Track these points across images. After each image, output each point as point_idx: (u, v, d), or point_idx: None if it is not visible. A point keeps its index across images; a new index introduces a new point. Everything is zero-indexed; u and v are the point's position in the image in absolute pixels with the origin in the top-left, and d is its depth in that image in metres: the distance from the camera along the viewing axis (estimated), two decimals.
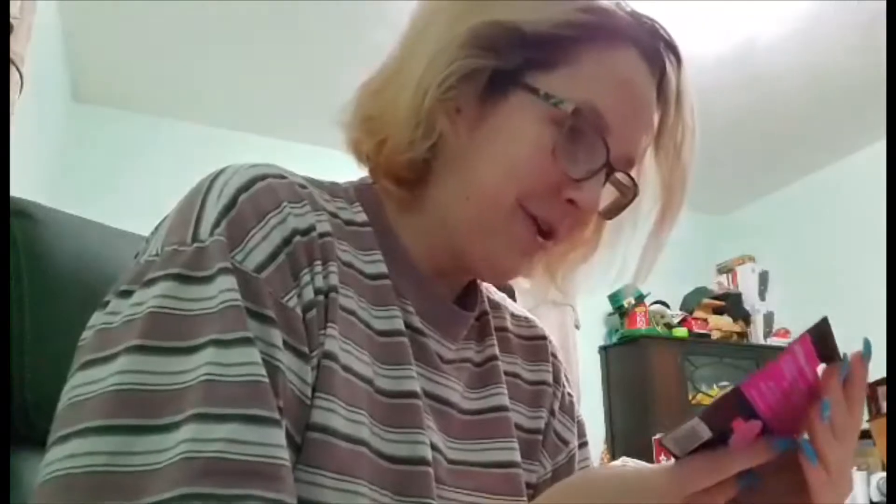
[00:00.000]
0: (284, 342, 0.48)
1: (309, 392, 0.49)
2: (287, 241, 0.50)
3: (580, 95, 0.56)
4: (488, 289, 0.72)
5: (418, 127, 0.56)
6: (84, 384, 0.44)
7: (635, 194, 0.62)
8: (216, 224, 0.48)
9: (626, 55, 0.58)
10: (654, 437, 3.55)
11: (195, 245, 0.48)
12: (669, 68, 0.60)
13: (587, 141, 0.56)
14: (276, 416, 0.45)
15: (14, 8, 1.66)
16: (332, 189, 0.61)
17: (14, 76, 1.67)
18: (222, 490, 0.41)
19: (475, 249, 0.60)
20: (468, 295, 0.67)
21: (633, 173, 0.61)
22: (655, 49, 0.60)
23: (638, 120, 0.59)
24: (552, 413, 0.71)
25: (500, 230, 0.58)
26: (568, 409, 0.73)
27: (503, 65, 0.57)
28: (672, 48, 0.60)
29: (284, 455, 0.45)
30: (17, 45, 1.67)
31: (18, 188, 1.04)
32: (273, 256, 0.49)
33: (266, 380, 0.45)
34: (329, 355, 0.51)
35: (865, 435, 3.48)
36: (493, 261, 0.60)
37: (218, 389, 0.43)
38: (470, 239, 0.60)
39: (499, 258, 0.60)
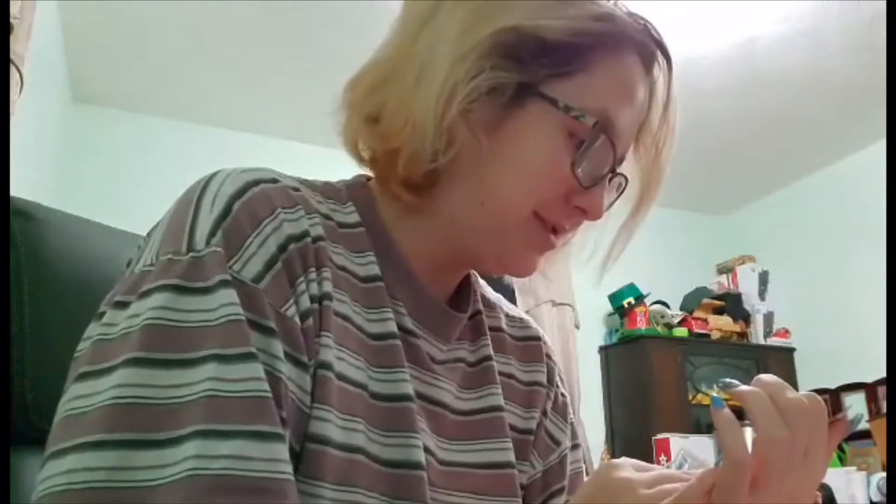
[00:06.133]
0: (285, 352, 0.48)
1: (308, 401, 0.49)
2: (283, 249, 0.50)
3: (595, 106, 0.56)
4: (483, 288, 0.72)
5: (439, 138, 0.55)
6: (81, 397, 0.44)
7: (624, 189, 0.63)
8: (212, 233, 0.48)
9: (631, 61, 0.58)
10: (654, 438, 3.55)
11: (191, 255, 0.47)
12: (658, 69, 0.61)
13: (600, 150, 0.57)
14: (280, 430, 0.45)
15: (14, 8, 1.66)
16: (325, 190, 0.60)
17: (14, 76, 1.67)
18: None
19: (489, 251, 0.61)
20: (461, 294, 0.67)
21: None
22: (651, 52, 0.60)
23: (636, 122, 0.61)
24: (544, 413, 0.71)
25: (516, 235, 0.59)
26: (561, 409, 0.73)
27: (527, 78, 0.56)
28: (663, 49, 0.61)
29: (289, 469, 0.45)
30: (17, 45, 1.67)
31: (18, 188, 1.04)
32: (269, 265, 0.49)
33: (269, 395, 0.45)
34: (324, 365, 0.50)
35: (865, 435, 3.48)
36: (508, 261, 0.61)
37: (221, 405, 0.43)
38: (483, 242, 0.60)
39: (515, 259, 0.61)
